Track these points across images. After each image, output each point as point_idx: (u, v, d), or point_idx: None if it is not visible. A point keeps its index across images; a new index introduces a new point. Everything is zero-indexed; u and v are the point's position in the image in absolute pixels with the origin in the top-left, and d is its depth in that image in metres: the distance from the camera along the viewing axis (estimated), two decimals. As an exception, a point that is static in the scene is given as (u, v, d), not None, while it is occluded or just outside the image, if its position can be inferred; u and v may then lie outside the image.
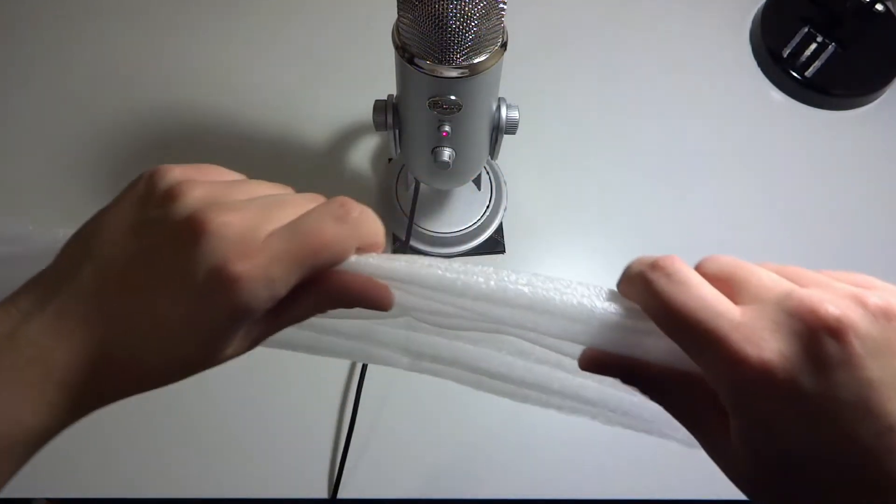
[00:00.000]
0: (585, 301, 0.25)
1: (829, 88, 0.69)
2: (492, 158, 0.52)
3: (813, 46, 0.70)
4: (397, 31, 0.39)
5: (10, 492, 0.55)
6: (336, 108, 0.68)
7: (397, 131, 0.48)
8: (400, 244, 0.59)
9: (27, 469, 0.50)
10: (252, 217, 0.23)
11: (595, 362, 0.26)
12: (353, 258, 0.25)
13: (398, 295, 0.27)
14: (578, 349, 0.27)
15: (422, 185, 0.55)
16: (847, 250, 0.64)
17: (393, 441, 0.55)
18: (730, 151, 0.68)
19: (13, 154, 0.66)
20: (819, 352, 0.20)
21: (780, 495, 0.22)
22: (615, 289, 0.26)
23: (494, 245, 0.62)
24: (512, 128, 0.47)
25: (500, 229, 0.62)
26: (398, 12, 0.38)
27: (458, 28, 0.36)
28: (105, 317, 0.23)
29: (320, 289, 0.25)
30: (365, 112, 0.48)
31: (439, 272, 0.26)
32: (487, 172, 0.62)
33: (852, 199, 0.66)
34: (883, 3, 0.67)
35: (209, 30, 0.72)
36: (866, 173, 0.68)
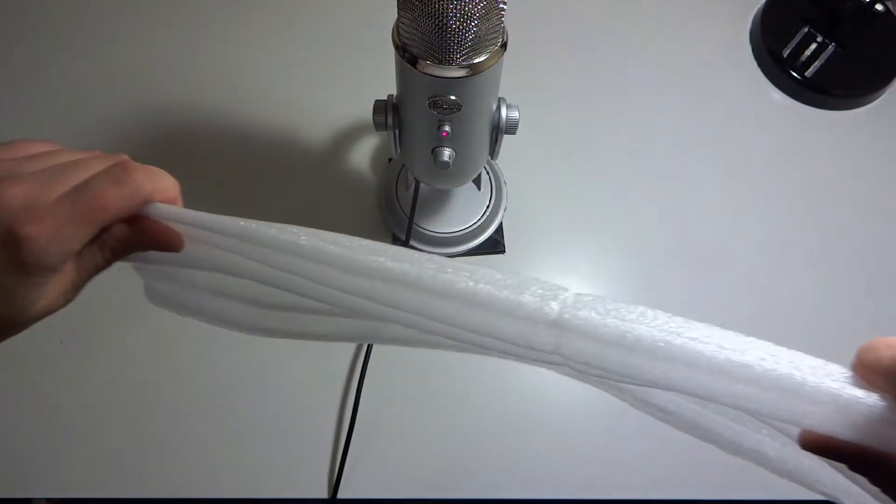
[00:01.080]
0: (828, 384, 0.23)
1: (829, 88, 0.69)
2: (492, 158, 0.52)
3: (813, 46, 0.70)
4: (397, 31, 0.39)
5: (10, 492, 0.56)
6: (336, 108, 0.68)
7: (397, 131, 0.48)
8: (400, 244, 0.59)
9: (27, 469, 0.50)
10: (39, 185, 0.26)
11: (824, 446, 0.24)
12: (152, 206, 0.29)
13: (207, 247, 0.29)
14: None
15: (422, 185, 0.55)
16: (847, 250, 0.64)
17: (393, 441, 0.55)
18: (730, 151, 0.68)
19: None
20: None
21: None
22: (851, 372, 0.24)
23: (494, 245, 0.62)
24: (512, 128, 0.47)
25: (500, 229, 0.62)
26: (398, 12, 0.38)
27: (458, 28, 0.36)
28: None
29: (112, 236, 0.29)
30: (365, 112, 0.48)
31: (245, 223, 0.28)
32: (487, 172, 0.62)
33: (852, 199, 0.66)
34: (883, 3, 0.67)
35: (209, 29, 0.72)
36: (866, 173, 0.68)
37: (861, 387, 0.23)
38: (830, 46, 0.70)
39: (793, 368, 0.23)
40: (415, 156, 0.49)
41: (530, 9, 0.74)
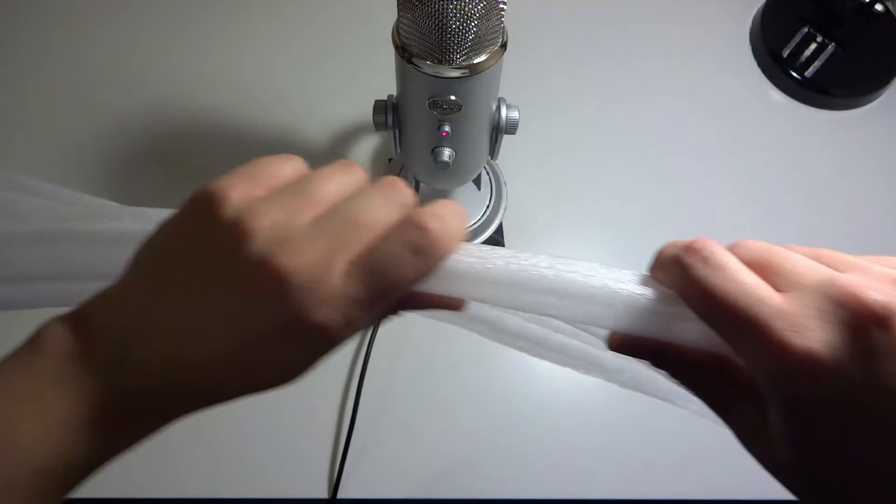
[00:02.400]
0: (611, 284, 0.24)
1: (829, 88, 0.69)
2: (492, 158, 0.52)
3: (813, 46, 0.70)
4: (397, 31, 0.39)
5: (10, 492, 0.55)
6: (336, 108, 0.68)
7: (397, 131, 0.48)
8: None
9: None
10: (324, 252, 0.22)
11: (625, 344, 0.26)
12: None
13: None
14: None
15: (422, 185, 0.55)
16: (848, 250, 0.64)
17: (393, 441, 0.55)
18: (730, 151, 0.68)
19: (14, 150, 0.66)
20: (866, 341, 0.20)
21: (822, 481, 0.22)
22: (646, 273, 0.26)
23: (494, 245, 0.62)
24: (512, 128, 0.47)
25: (500, 229, 0.62)
26: (398, 12, 0.38)
27: (458, 28, 0.36)
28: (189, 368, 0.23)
29: (397, 306, 0.25)
30: (365, 112, 0.48)
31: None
32: (487, 172, 0.62)
33: (853, 199, 0.66)
34: (883, 3, 0.67)
35: (208, 29, 0.72)
36: (866, 173, 0.68)
37: (648, 285, 0.25)
38: (830, 46, 0.70)
39: (585, 276, 0.25)
40: (415, 156, 0.49)
41: (530, 9, 0.74)
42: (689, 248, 0.23)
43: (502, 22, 0.38)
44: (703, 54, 0.73)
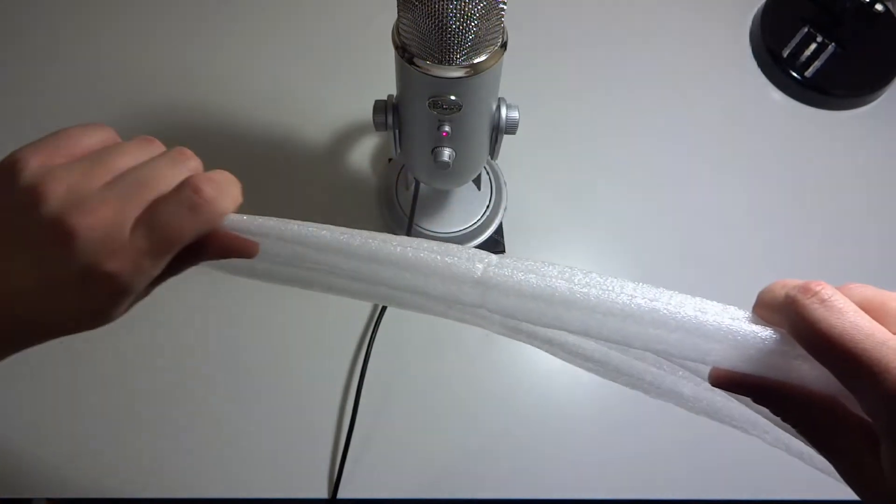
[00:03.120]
0: (727, 322, 0.25)
1: (829, 88, 0.69)
2: (492, 158, 0.52)
3: (813, 46, 0.70)
4: (397, 31, 0.39)
5: (10, 492, 0.56)
6: (336, 108, 0.68)
7: (397, 131, 0.48)
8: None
9: (27, 469, 0.50)
10: (114, 211, 0.26)
11: (728, 380, 0.26)
12: (226, 220, 0.29)
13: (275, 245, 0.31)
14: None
15: (422, 185, 0.55)
16: (847, 250, 0.64)
17: (393, 441, 0.55)
18: (730, 151, 0.68)
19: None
20: None
21: None
22: (751, 312, 0.27)
23: (494, 245, 0.62)
24: (512, 128, 0.47)
25: (500, 229, 0.62)
26: (398, 12, 0.38)
27: (458, 28, 0.36)
28: None
29: (191, 251, 0.29)
30: (365, 112, 0.48)
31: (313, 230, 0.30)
32: (487, 172, 0.62)
33: (852, 199, 0.66)
34: (883, 3, 0.67)
35: (208, 29, 0.72)
36: (866, 173, 0.68)
37: (758, 324, 0.25)
38: (830, 46, 0.70)
39: (697, 311, 0.25)
40: (415, 156, 0.49)
41: (530, 9, 0.74)
42: (806, 289, 0.24)
43: (502, 22, 0.38)
44: (704, 54, 0.73)
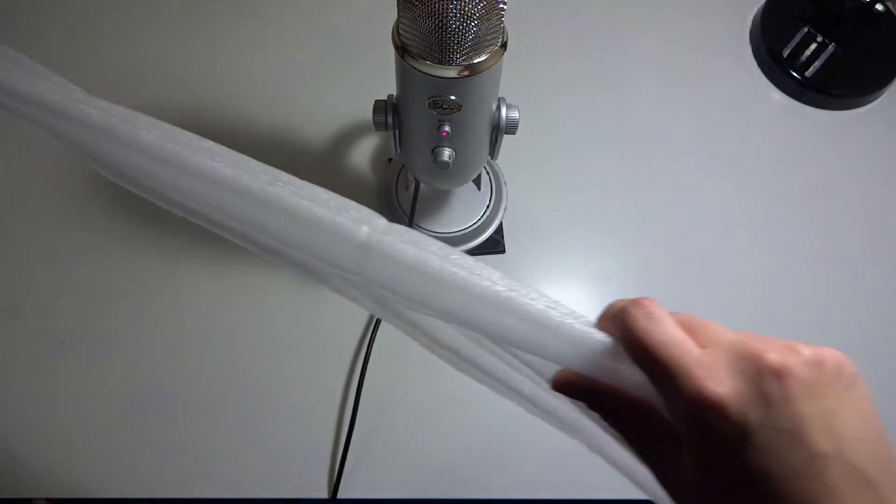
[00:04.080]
0: (570, 321, 0.27)
1: (829, 88, 0.69)
2: (492, 158, 0.52)
3: (813, 46, 0.70)
4: (397, 31, 0.39)
5: (10, 492, 0.56)
6: (336, 108, 0.68)
7: (397, 131, 0.48)
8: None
9: (27, 469, 0.50)
10: None
11: (568, 385, 0.29)
12: None
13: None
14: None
15: (422, 185, 0.55)
16: (847, 250, 0.64)
17: (393, 441, 0.55)
18: (730, 151, 0.68)
19: (16, 151, 0.66)
20: (764, 390, 0.24)
21: None
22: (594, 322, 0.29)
23: (494, 245, 0.62)
24: (512, 128, 0.47)
25: (500, 229, 0.62)
26: (398, 12, 0.38)
27: (458, 28, 0.36)
28: None
29: None
30: (365, 112, 0.48)
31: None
32: (487, 172, 0.62)
33: (852, 198, 0.66)
34: (883, 3, 0.67)
35: (208, 29, 0.72)
36: (866, 173, 0.68)
37: (600, 330, 0.28)
38: (830, 46, 0.70)
39: (547, 307, 0.27)
40: (415, 156, 0.49)
41: (530, 9, 0.74)
42: (636, 303, 0.27)
43: (502, 22, 0.38)
44: (704, 54, 0.73)
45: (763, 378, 0.24)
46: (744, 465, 0.24)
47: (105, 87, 0.69)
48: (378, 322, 0.57)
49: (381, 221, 0.29)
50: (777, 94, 0.71)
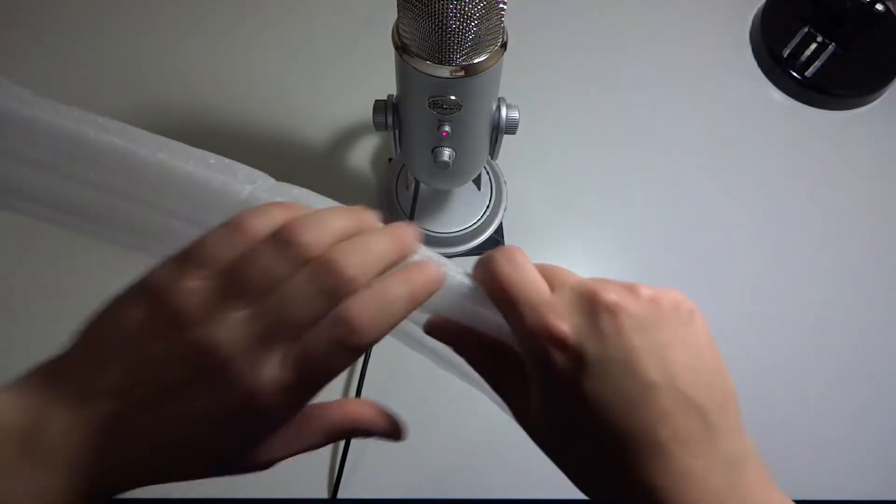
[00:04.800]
0: (448, 271, 0.29)
1: (829, 88, 0.69)
2: (492, 158, 0.52)
3: (813, 46, 0.70)
4: (397, 31, 0.39)
5: (10, 492, 0.55)
6: (336, 108, 0.68)
7: (397, 131, 0.48)
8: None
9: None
10: (258, 346, 0.23)
11: (438, 329, 0.32)
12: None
13: None
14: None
15: (422, 185, 0.55)
16: (847, 250, 0.64)
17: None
18: (730, 151, 0.68)
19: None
20: (599, 325, 0.26)
21: (567, 441, 0.28)
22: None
23: (494, 245, 0.62)
24: (512, 128, 0.47)
25: (500, 229, 0.62)
26: (398, 12, 0.38)
27: (458, 28, 0.36)
28: (124, 436, 0.24)
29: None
30: (365, 112, 0.48)
31: None
32: (487, 172, 0.62)
33: (852, 199, 0.66)
34: (883, 3, 0.67)
35: (208, 29, 0.72)
36: (866, 173, 0.68)
37: (469, 279, 0.30)
38: (830, 46, 0.70)
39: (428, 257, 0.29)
40: (415, 156, 0.49)
41: (530, 9, 0.74)
42: (501, 250, 0.29)
43: (502, 22, 0.38)
44: (704, 54, 0.73)
45: (598, 314, 0.26)
46: (581, 392, 0.26)
47: (105, 87, 0.69)
48: (378, 322, 0.57)
49: (270, 181, 0.30)
50: (777, 94, 0.71)
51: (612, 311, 0.26)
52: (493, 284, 0.29)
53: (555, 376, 0.27)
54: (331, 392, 0.56)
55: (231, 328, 0.23)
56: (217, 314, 0.23)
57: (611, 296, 0.27)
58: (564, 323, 0.27)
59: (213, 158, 0.29)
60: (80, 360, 0.25)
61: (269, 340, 0.24)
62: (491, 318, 0.30)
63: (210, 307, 0.23)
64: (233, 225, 0.25)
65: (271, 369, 0.24)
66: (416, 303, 0.26)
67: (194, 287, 0.24)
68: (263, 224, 0.25)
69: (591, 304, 0.27)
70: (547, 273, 0.29)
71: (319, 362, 0.25)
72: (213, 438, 0.25)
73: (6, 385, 0.25)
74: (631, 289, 0.28)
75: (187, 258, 0.25)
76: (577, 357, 0.26)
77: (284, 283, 0.24)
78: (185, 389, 0.23)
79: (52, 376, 0.25)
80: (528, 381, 0.29)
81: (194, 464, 0.27)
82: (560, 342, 0.26)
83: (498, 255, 0.29)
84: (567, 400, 0.27)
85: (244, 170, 0.29)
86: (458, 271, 0.30)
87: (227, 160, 0.29)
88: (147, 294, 0.24)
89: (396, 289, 0.25)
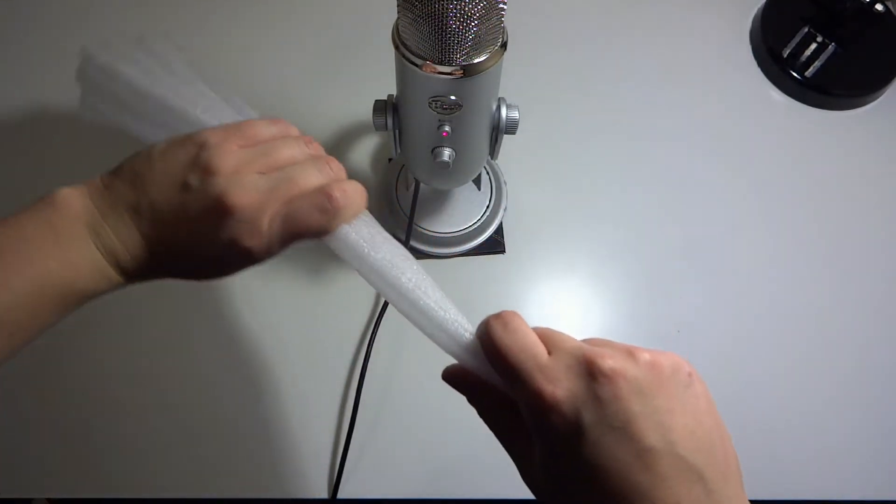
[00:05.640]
0: (460, 330, 0.32)
1: (829, 88, 0.70)
2: (492, 158, 0.52)
3: (813, 46, 0.70)
4: (397, 31, 0.39)
5: (10, 492, 0.56)
6: (336, 108, 0.68)
7: (397, 131, 0.48)
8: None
9: (27, 469, 0.50)
10: (262, 199, 0.32)
11: (453, 378, 0.34)
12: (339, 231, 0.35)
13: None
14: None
15: (422, 185, 0.55)
16: (846, 250, 0.64)
17: (393, 441, 0.55)
18: (730, 151, 0.68)
19: (15, 143, 0.66)
20: (596, 391, 0.26)
21: (564, 499, 0.28)
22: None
23: (494, 245, 0.62)
24: (512, 128, 0.47)
25: (500, 229, 0.62)
26: (398, 12, 0.38)
27: (458, 28, 0.36)
28: (158, 240, 0.33)
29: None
30: (365, 112, 0.48)
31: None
32: (487, 172, 0.62)
33: (852, 199, 0.66)
34: (883, 4, 0.67)
35: (209, 29, 0.72)
36: (866, 173, 0.68)
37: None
38: (830, 46, 0.70)
39: (439, 309, 0.34)
40: (415, 156, 0.49)
41: (530, 9, 0.74)
42: (497, 316, 0.30)
43: (502, 22, 0.38)
44: (704, 54, 0.73)
45: (596, 380, 0.26)
46: (579, 458, 0.26)
47: (105, 87, 0.69)
48: (378, 323, 0.57)
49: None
50: (777, 94, 0.71)
51: (609, 376, 0.26)
52: (490, 350, 0.30)
53: (552, 442, 0.27)
54: (331, 392, 0.56)
55: (251, 182, 0.32)
56: (244, 172, 0.32)
57: (608, 362, 0.27)
58: (559, 388, 0.27)
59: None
60: (129, 179, 0.33)
61: (273, 195, 0.32)
62: (495, 378, 0.31)
63: (240, 167, 0.33)
64: (273, 120, 0.37)
65: (269, 220, 0.32)
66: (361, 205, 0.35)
67: (234, 149, 0.33)
68: (292, 128, 0.38)
69: (588, 369, 0.27)
70: (545, 336, 0.30)
71: (301, 220, 0.33)
72: (215, 262, 0.34)
73: (73, 186, 0.33)
74: (630, 352, 0.28)
75: (238, 130, 0.35)
76: (573, 424, 0.26)
77: (297, 163, 0.34)
78: (205, 219, 0.32)
79: (109, 187, 0.33)
80: (531, 441, 0.29)
81: (199, 266, 0.35)
82: (556, 409, 0.27)
83: (493, 320, 0.30)
84: (565, 464, 0.27)
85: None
86: (468, 330, 0.32)
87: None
88: (198, 144, 0.33)
89: (353, 192, 0.34)
